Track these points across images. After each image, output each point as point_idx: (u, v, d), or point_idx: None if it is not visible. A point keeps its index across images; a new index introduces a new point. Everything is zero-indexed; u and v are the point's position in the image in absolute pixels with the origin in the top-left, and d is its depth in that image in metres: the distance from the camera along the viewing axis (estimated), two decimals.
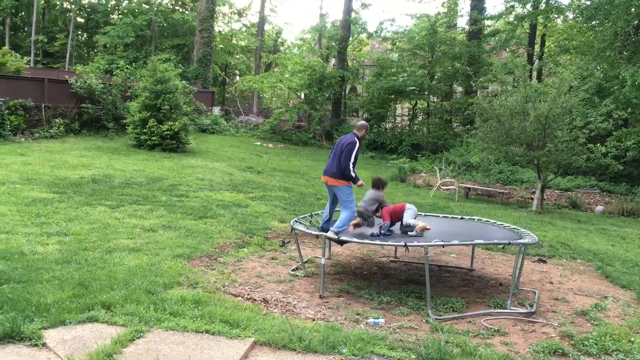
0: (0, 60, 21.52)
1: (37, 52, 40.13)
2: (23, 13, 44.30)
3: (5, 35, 39.96)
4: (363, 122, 7.57)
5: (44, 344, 4.32)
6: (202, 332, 4.73)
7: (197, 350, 4.40)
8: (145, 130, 18.23)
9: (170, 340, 4.54)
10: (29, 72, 24.04)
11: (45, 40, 40.37)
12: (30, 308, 4.87)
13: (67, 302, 5.11)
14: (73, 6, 42.10)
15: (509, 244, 6.44)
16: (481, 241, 6.75)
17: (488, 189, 18.22)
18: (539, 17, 25.70)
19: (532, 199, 16.91)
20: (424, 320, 5.74)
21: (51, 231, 7.76)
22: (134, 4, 40.04)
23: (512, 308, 6.20)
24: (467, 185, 18.00)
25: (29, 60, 34.11)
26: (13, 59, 22.32)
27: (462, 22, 37.23)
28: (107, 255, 6.84)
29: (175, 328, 4.77)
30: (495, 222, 8.21)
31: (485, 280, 7.58)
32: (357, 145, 7.16)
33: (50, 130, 18.66)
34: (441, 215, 9.01)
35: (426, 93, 28.08)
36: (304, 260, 7.51)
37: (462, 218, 8.69)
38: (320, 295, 6.32)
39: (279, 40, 49.34)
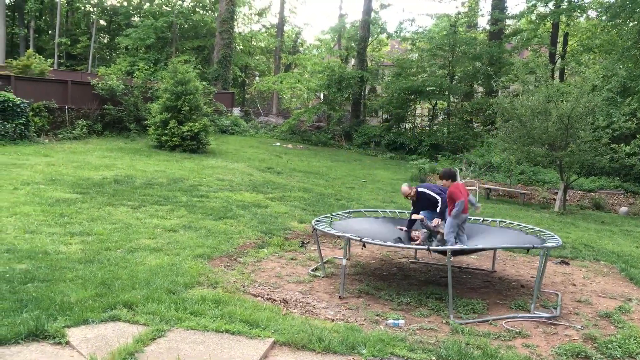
0: (25, 63, 21.90)
1: (61, 55, 40.74)
2: (47, 16, 45.04)
3: (29, 38, 40.66)
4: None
5: (67, 343, 4.38)
6: (222, 332, 4.75)
7: (217, 349, 4.42)
8: (166, 131, 18.40)
9: (191, 340, 4.57)
10: (53, 75, 24.39)
11: (69, 42, 40.98)
12: (54, 307, 4.94)
13: (89, 301, 5.17)
14: (95, 9, 42.67)
15: (533, 247, 6.36)
16: (505, 245, 6.66)
17: (509, 189, 18.03)
18: (561, 16, 25.38)
19: (554, 199, 16.69)
20: (444, 322, 5.70)
21: (74, 231, 7.87)
22: (155, 6, 40.44)
23: (535, 312, 6.11)
24: (488, 186, 17.83)
25: (53, 63, 34.62)
26: (37, 61, 22.69)
27: (483, 21, 36.96)
28: (128, 255, 6.92)
29: (195, 327, 4.80)
30: (518, 225, 8.12)
31: (507, 282, 7.50)
32: None
33: (74, 132, 18.92)
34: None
35: (446, 93, 27.89)
36: (323, 261, 7.50)
37: (483, 220, 8.61)
38: (339, 296, 6.31)
39: (299, 41, 49.43)
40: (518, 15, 29.87)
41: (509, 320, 5.85)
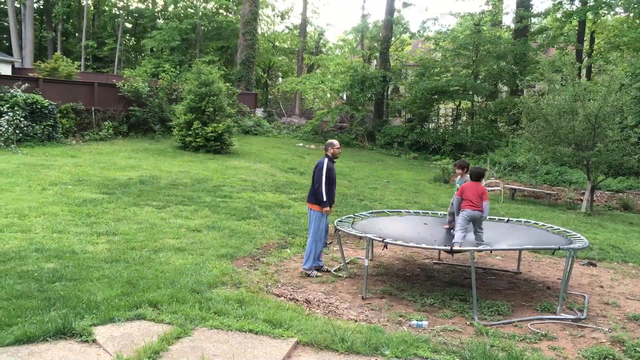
0: (53, 66, 22.32)
1: (87, 57, 41.42)
2: (74, 19, 45.82)
3: (57, 41, 41.43)
4: (329, 140, 7.43)
5: (94, 341, 4.45)
6: (245, 331, 4.78)
7: (241, 349, 4.45)
8: (190, 132, 18.57)
9: (215, 339, 4.60)
10: (80, 77, 24.79)
11: (95, 45, 41.65)
12: (81, 305, 5.03)
13: (115, 299, 5.25)
14: (121, 12, 43.28)
15: (559, 248, 6.27)
16: (530, 246, 6.55)
17: (535, 190, 17.78)
18: (587, 13, 24.95)
19: (581, 200, 16.41)
20: (468, 324, 5.65)
21: (101, 231, 8.00)
22: (179, 9, 40.85)
23: (561, 314, 6.02)
24: (513, 186, 17.61)
25: (80, 65, 35.23)
26: (65, 64, 23.12)
27: (508, 19, 36.40)
28: (153, 255, 7.00)
29: (219, 327, 4.84)
30: (543, 225, 8.01)
31: (532, 284, 7.40)
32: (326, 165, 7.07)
33: (100, 133, 19.22)
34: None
35: (470, 93, 27.62)
36: (346, 262, 7.50)
37: (508, 220, 8.51)
38: (362, 297, 6.30)
39: (321, 41, 49.44)
40: (543, 13, 29.48)
41: (535, 322, 5.78)
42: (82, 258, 6.60)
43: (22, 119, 16.31)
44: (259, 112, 30.31)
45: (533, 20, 30.25)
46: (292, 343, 4.62)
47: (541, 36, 30.19)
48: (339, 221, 7.44)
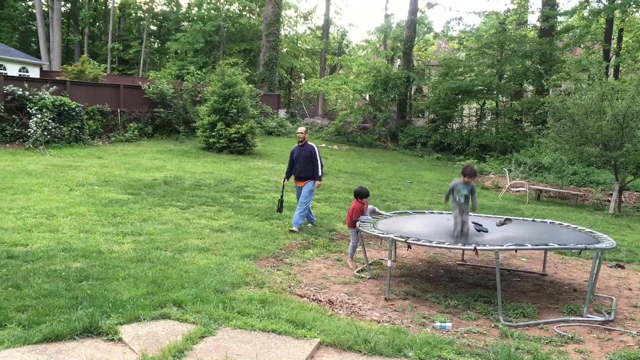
0: (80, 68, 22.74)
1: (113, 60, 42.07)
2: (100, 23, 46.59)
3: (84, 44, 42.16)
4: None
5: (120, 339, 4.50)
6: (268, 332, 4.79)
7: (264, 349, 4.47)
8: (213, 133, 18.74)
9: (239, 339, 4.63)
10: (106, 79, 25.22)
11: (121, 48, 42.29)
12: (107, 304, 5.10)
13: (141, 299, 5.31)
14: (146, 15, 43.85)
15: (585, 248, 6.16)
16: (555, 245, 6.43)
17: (561, 190, 17.51)
18: (615, 11, 24.49)
19: (608, 201, 16.11)
20: (493, 326, 5.59)
21: (126, 231, 8.11)
22: (203, 11, 41.25)
23: (588, 316, 5.93)
24: (539, 187, 17.38)
25: (106, 68, 35.81)
26: (91, 66, 23.54)
27: (533, 18, 35.89)
28: (178, 255, 7.07)
29: (243, 327, 4.86)
30: (569, 225, 7.88)
31: (559, 286, 7.29)
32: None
33: (126, 134, 19.50)
34: (512, 218, 8.75)
35: (495, 92, 27.33)
36: (369, 262, 7.48)
37: (533, 220, 8.40)
38: (385, 298, 6.28)
39: (344, 42, 49.45)
40: (570, 11, 29.01)
41: (561, 325, 5.69)
42: (108, 258, 6.70)
43: (50, 120, 16.63)
44: (282, 113, 30.43)
45: (559, 18, 29.78)
46: (315, 343, 4.62)
47: (567, 35, 29.73)
48: (362, 222, 7.43)
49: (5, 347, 4.20)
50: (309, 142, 9.74)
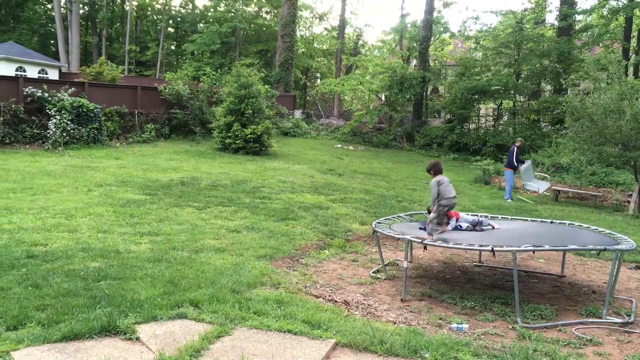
0: (98, 70, 22.99)
1: (131, 61, 42.47)
2: (118, 25, 47.05)
3: (102, 46, 42.62)
4: None
5: (137, 338, 4.55)
6: (284, 332, 4.81)
7: (280, 349, 4.48)
8: (229, 134, 18.81)
9: (255, 339, 4.64)
10: (123, 81, 25.45)
11: (138, 49, 42.67)
12: (125, 304, 5.15)
13: (158, 298, 5.35)
14: (163, 17, 44.21)
15: (605, 250, 6.09)
16: (574, 247, 6.36)
17: (580, 191, 17.31)
18: (635, 10, 24.14)
19: (628, 202, 15.89)
20: (510, 327, 5.55)
21: (144, 231, 8.17)
22: (219, 12, 41.47)
23: (607, 317, 5.85)
24: (557, 188, 17.20)
25: (123, 69, 36.15)
26: (109, 68, 23.78)
27: (551, 17, 35.52)
28: (194, 255, 7.12)
29: (259, 327, 4.88)
30: (588, 227, 7.79)
31: (577, 288, 7.21)
32: None
33: (143, 135, 19.66)
34: (529, 219, 8.67)
35: (512, 92, 27.10)
36: (385, 263, 7.46)
37: (552, 222, 8.32)
38: (401, 299, 6.26)
39: (360, 42, 49.38)
40: (588, 10, 28.68)
41: (580, 327, 5.62)
42: (126, 257, 6.76)
43: (69, 122, 16.83)
44: (298, 113, 30.47)
45: (577, 17, 29.44)
46: (331, 344, 4.62)
47: (586, 34, 29.40)
48: (377, 222, 7.41)
49: (25, 345, 4.26)
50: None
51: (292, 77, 33.42)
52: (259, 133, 18.76)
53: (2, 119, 16.14)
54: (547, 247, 6.16)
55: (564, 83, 23.23)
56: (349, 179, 16.04)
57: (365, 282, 6.86)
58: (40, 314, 4.86)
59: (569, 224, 8.08)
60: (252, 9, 43.06)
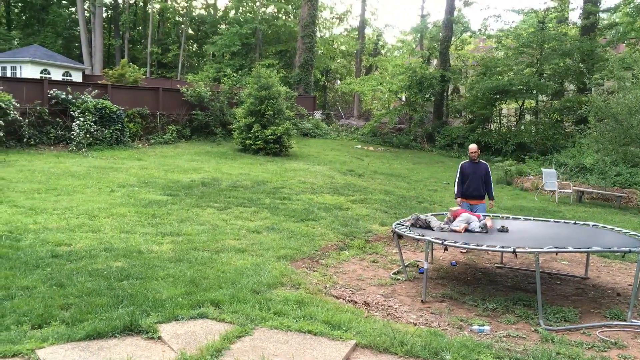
0: (120, 72, 23.28)
1: (153, 63, 42.88)
2: (140, 27, 47.58)
3: (124, 49, 43.12)
4: None
5: (159, 338, 4.59)
6: (304, 332, 4.81)
7: (300, 349, 4.49)
8: (250, 135, 18.91)
9: (275, 339, 4.66)
10: (145, 82, 25.70)
11: (160, 51, 43.09)
12: (147, 303, 5.20)
13: (179, 298, 5.40)
14: (184, 19, 44.60)
15: (630, 251, 5.98)
16: (598, 248, 6.26)
17: (604, 192, 17.04)
18: None
19: None
20: (533, 330, 5.48)
21: (165, 231, 8.25)
22: (239, 14, 41.70)
23: (632, 320, 5.75)
24: (581, 189, 16.95)
25: (145, 71, 36.53)
26: (131, 70, 24.05)
27: (574, 15, 34.99)
28: (215, 255, 7.16)
29: (279, 327, 4.89)
30: (613, 228, 7.66)
31: (601, 290, 7.10)
32: None
33: (164, 136, 19.85)
34: (552, 220, 8.56)
35: (534, 92, 26.75)
36: (405, 264, 7.43)
37: (575, 223, 8.20)
38: (422, 300, 6.23)
39: (380, 42, 49.24)
40: (613, 8, 28.20)
41: (604, 329, 5.54)
42: (148, 257, 6.83)
43: (92, 123, 17.07)
44: (318, 114, 30.48)
45: (601, 15, 28.97)
46: (351, 345, 4.61)
47: (610, 32, 28.90)
48: (398, 224, 7.38)
49: (49, 343, 4.33)
50: (482, 161, 9.43)
51: (312, 78, 33.44)
52: (279, 134, 18.82)
53: (27, 120, 16.42)
54: (570, 248, 6.07)
55: (587, 82, 22.85)
56: (369, 179, 16.00)
57: (386, 283, 6.84)
58: (64, 312, 4.94)
59: (593, 225, 7.96)
60: (272, 9, 43.21)
